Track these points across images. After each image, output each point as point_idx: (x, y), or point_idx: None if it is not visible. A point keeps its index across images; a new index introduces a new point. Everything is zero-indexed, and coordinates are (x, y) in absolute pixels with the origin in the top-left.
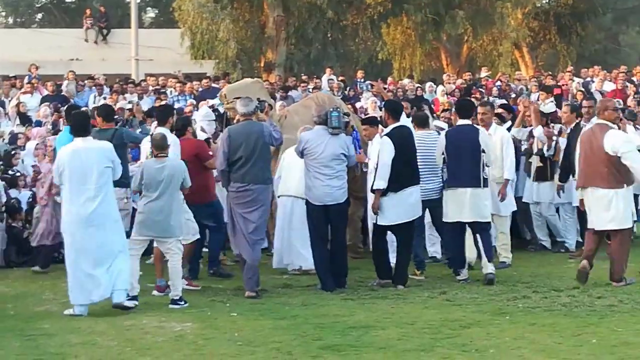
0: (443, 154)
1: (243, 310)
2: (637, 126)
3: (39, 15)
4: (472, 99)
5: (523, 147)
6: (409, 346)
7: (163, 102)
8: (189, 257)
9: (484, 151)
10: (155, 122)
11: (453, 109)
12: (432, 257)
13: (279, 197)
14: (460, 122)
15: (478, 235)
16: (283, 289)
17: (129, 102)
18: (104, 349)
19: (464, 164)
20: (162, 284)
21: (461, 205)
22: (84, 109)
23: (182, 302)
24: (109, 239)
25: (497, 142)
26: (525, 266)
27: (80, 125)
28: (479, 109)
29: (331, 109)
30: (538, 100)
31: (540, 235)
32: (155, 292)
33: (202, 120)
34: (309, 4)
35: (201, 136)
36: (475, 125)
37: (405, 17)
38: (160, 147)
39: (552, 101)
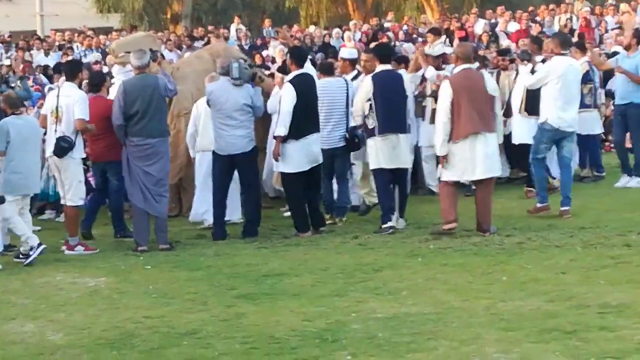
0: (369, 100)
1: (157, 263)
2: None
3: None
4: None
5: (415, 92)
6: (323, 292)
7: (70, 58)
8: (77, 220)
9: (407, 96)
10: (64, 78)
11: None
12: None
13: (197, 152)
14: (382, 67)
15: (397, 186)
16: (197, 240)
17: (7, 58)
18: (18, 307)
19: (395, 110)
20: (75, 242)
21: (395, 151)
22: None
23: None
24: None
25: None
26: (435, 209)
27: None
28: (362, 56)
29: (232, 61)
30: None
31: (429, 180)
32: (67, 251)
33: (119, 74)
34: None
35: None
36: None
37: None
38: (14, 105)
39: (441, 43)
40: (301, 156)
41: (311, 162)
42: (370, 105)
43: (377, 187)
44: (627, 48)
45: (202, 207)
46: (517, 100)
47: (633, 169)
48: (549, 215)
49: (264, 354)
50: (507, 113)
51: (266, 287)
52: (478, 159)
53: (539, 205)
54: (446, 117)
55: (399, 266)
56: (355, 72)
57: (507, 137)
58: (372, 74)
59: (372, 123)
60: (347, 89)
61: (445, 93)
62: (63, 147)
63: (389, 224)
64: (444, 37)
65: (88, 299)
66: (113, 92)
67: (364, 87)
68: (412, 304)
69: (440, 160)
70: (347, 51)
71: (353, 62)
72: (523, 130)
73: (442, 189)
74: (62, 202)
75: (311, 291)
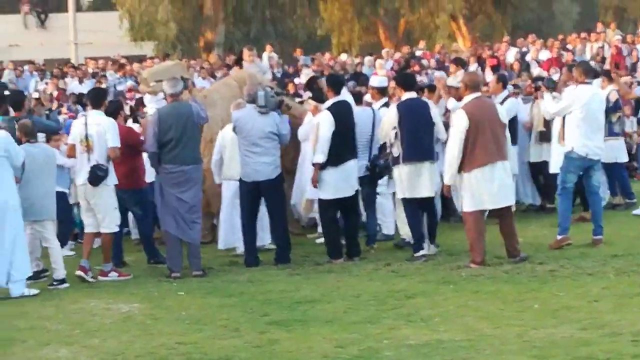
0: (395, 128)
1: (190, 289)
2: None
3: None
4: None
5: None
6: (355, 318)
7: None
8: (112, 247)
9: (434, 124)
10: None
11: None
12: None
13: (223, 180)
14: (407, 95)
15: (425, 213)
16: (229, 267)
17: (36, 91)
18: (52, 333)
19: (420, 138)
20: (85, 264)
21: (420, 179)
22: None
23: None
24: (5, 227)
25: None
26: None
27: None
28: (391, 84)
29: (259, 88)
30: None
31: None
32: (78, 272)
33: (152, 102)
34: None
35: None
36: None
37: None
38: (29, 133)
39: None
40: (339, 182)
41: (349, 189)
42: (396, 133)
43: (407, 216)
44: None
45: (227, 234)
46: (556, 129)
47: None
48: (582, 243)
49: None
50: (546, 138)
51: (299, 313)
52: (495, 188)
53: (559, 237)
54: (458, 147)
55: (431, 293)
56: (384, 100)
57: (539, 165)
58: (397, 103)
59: (396, 151)
60: (374, 118)
61: (461, 122)
62: (99, 176)
63: (421, 252)
64: (475, 64)
65: (121, 325)
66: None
67: (389, 115)
68: (444, 330)
69: (445, 189)
70: (377, 79)
71: (382, 91)
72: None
73: (467, 223)
74: (87, 230)
75: (343, 318)
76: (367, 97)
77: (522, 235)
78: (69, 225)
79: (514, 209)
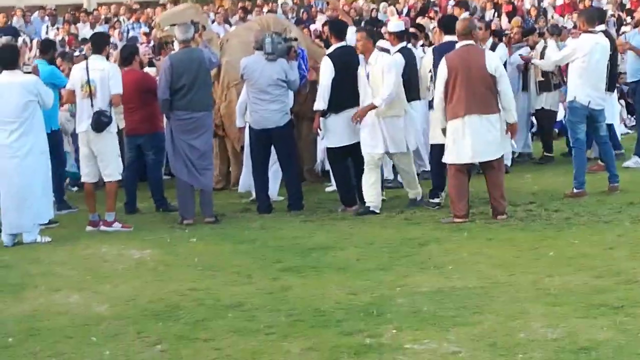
0: (430, 71)
1: (202, 236)
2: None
3: None
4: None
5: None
6: (368, 266)
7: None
8: (116, 195)
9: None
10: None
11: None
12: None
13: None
14: (447, 37)
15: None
16: (242, 213)
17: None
18: (63, 278)
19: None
20: (95, 218)
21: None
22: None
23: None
24: (30, 170)
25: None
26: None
27: (5, 58)
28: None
29: (266, 35)
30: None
31: None
32: (88, 228)
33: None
34: None
35: None
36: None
37: None
38: None
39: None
40: (343, 130)
41: (354, 135)
42: (431, 76)
43: (432, 162)
44: (638, 25)
45: (250, 179)
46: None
47: (635, 148)
48: (597, 191)
49: (309, 327)
50: (546, 87)
51: (311, 260)
52: (472, 142)
53: (575, 190)
54: (440, 97)
55: (445, 240)
56: (403, 44)
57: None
58: (433, 46)
59: (431, 95)
60: None
61: (440, 72)
62: (103, 122)
63: (437, 199)
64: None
65: (133, 271)
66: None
67: (426, 59)
68: (457, 278)
69: (315, 118)
70: (394, 24)
71: (400, 35)
72: None
73: (450, 177)
74: (84, 179)
75: (356, 265)
76: (379, 43)
77: (537, 182)
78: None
79: (508, 162)
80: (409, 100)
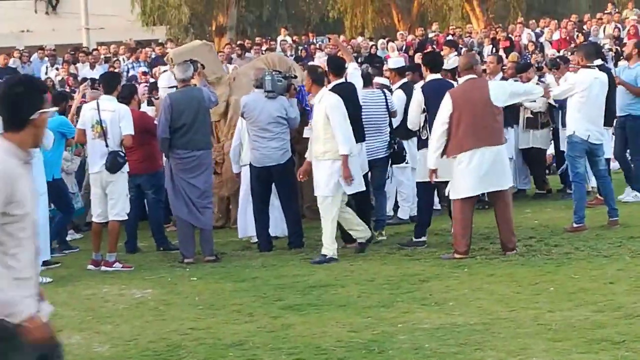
0: (424, 111)
1: (203, 275)
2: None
3: None
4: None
5: None
6: (369, 303)
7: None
8: (117, 235)
9: None
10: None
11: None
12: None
13: (242, 166)
14: (432, 76)
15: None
16: (242, 252)
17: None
18: (65, 319)
19: None
20: (98, 258)
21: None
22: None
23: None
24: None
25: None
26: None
27: None
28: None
29: (266, 72)
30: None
31: None
32: (90, 266)
33: (165, 88)
34: None
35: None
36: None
37: None
38: None
39: (456, 55)
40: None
41: (357, 185)
42: (425, 116)
43: (420, 200)
44: (628, 58)
45: (245, 222)
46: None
47: (633, 183)
48: (597, 225)
49: None
50: (533, 124)
51: (312, 298)
52: (481, 173)
53: (575, 225)
54: (441, 131)
55: (445, 277)
56: (404, 81)
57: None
58: (421, 85)
59: (425, 134)
60: (386, 100)
61: (445, 106)
62: (119, 163)
63: (423, 238)
64: (490, 46)
65: (134, 310)
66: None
67: (415, 98)
68: (458, 314)
69: (429, 174)
70: (393, 61)
71: (400, 72)
72: None
73: (455, 213)
74: (95, 219)
75: (357, 302)
76: (378, 79)
77: (537, 217)
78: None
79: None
80: (410, 137)
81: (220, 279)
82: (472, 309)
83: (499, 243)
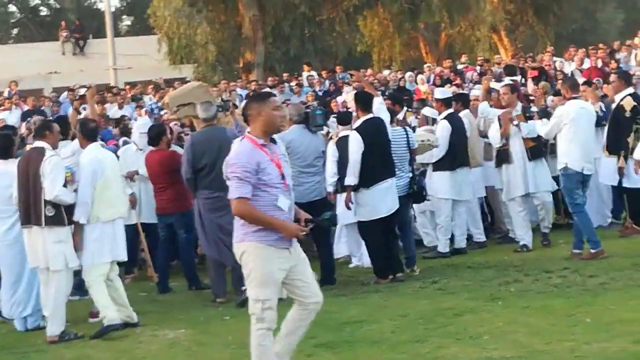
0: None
1: (235, 314)
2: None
3: (15, 31)
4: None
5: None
6: (403, 338)
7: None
8: None
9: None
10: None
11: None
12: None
13: None
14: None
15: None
16: None
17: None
18: None
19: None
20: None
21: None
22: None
23: None
24: (22, 259)
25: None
26: (514, 254)
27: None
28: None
29: (311, 107)
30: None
31: (508, 226)
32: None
33: (136, 132)
34: (284, 2)
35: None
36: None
37: (381, 8)
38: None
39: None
40: (376, 203)
41: (388, 208)
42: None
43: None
44: None
45: None
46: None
47: None
48: (633, 253)
49: None
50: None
51: (345, 334)
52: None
53: (592, 251)
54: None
55: (480, 310)
56: (449, 111)
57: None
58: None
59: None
60: (407, 138)
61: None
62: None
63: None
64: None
65: (168, 351)
66: None
67: (443, 129)
68: (494, 348)
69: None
70: (440, 91)
71: (447, 102)
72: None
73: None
74: None
75: (391, 338)
76: (426, 111)
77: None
78: None
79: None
80: (457, 167)
81: None
82: (507, 342)
83: (532, 275)
